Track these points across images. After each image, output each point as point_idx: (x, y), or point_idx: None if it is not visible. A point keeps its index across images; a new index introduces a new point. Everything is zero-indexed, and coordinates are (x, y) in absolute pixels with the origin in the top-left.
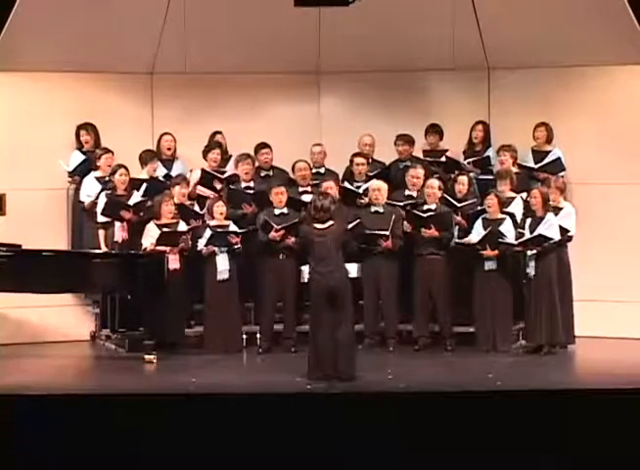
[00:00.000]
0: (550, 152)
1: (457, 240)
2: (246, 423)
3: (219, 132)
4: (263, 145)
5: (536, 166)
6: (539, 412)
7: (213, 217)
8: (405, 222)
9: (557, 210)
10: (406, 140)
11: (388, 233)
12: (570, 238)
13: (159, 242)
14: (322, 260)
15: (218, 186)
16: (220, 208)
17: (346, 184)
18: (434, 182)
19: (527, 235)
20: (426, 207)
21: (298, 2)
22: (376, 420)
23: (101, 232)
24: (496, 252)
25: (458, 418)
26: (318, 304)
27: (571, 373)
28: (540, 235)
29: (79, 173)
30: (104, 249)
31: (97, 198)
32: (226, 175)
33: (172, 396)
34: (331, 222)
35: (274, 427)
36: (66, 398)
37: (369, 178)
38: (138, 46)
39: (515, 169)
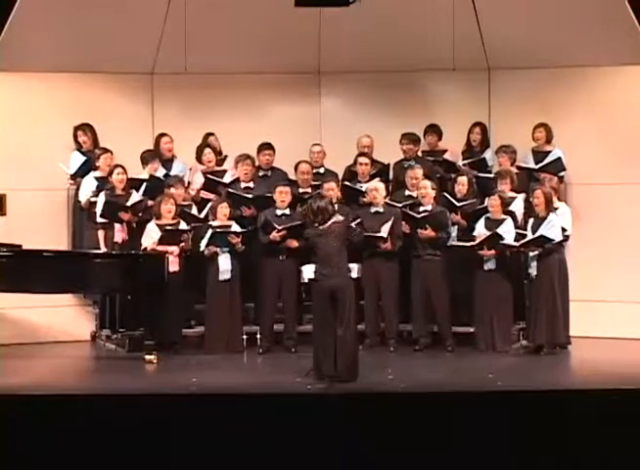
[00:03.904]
0: (550, 152)
1: (454, 243)
2: (246, 423)
3: (212, 134)
4: (267, 146)
5: (537, 167)
6: (539, 412)
7: (217, 218)
8: (403, 223)
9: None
10: (411, 139)
11: (385, 236)
12: (566, 238)
13: (160, 242)
14: (325, 261)
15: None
16: (224, 209)
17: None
18: (426, 183)
19: (530, 235)
20: (422, 207)
21: (299, 2)
22: (376, 420)
23: (100, 233)
24: (494, 251)
25: (458, 418)
26: (321, 304)
27: (570, 373)
28: (542, 236)
29: (81, 175)
30: (103, 249)
31: (94, 196)
32: (229, 181)
33: (173, 396)
34: (332, 221)
35: (274, 427)
36: (66, 398)
37: (371, 178)
38: (138, 46)
39: (514, 170)
